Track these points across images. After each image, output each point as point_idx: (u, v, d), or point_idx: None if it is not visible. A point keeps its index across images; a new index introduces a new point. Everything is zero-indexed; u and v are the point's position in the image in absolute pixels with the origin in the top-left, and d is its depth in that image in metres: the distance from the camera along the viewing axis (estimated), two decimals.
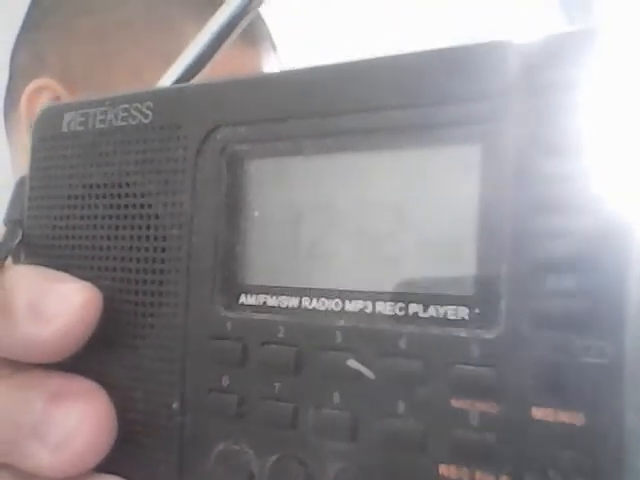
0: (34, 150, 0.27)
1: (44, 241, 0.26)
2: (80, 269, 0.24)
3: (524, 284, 0.17)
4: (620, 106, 0.16)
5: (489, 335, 0.17)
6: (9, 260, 0.25)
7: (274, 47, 0.64)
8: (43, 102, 0.59)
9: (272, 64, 0.62)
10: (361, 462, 0.19)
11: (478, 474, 0.17)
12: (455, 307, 0.18)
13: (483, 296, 0.18)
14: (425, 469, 0.18)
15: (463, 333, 0.18)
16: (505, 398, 0.17)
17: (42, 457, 0.21)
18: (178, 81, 0.28)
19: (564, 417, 0.16)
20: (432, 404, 0.18)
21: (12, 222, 0.26)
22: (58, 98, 0.59)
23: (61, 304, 0.22)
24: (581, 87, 0.17)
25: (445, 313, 0.18)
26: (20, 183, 0.28)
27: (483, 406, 0.17)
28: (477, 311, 0.18)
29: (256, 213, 0.22)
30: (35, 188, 0.27)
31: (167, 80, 0.28)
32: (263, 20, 0.62)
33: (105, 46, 0.59)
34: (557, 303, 0.16)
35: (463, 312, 0.18)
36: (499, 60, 0.18)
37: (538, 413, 0.16)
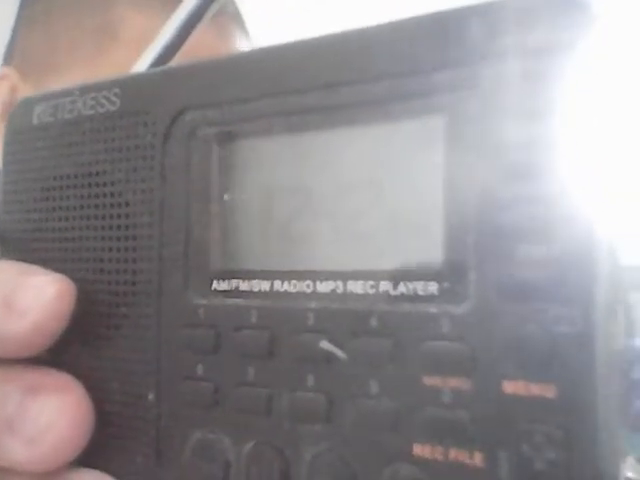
0: (6, 144, 0.27)
1: (19, 235, 0.25)
2: (54, 261, 0.24)
3: (492, 255, 0.16)
4: (588, 71, 0.16)
5: (459, 309, 0.17)
6: None
7: (245, 31, 0.63)
8: (1, 92, 0.59)
9: (243, 48, 0.61)
10: (336, 445, 0.18)
11: (452, 452, 0.17)
12: (424, 282, 0.18)
13: (452, 270, 0.17)
14: (399, 448, 0.17)
15: (433, 309, 0.17)
16: (476, 373, 0.16)
17: (17, 451, 0.21)
18: (150, 68, 0.28)
19: (535, 390, 0.15)
20: (404, 382, 0.17)
21: None
22: (15, 87, 0.59)
23: (34, 297, 0.22)
24: (550, 52, 0.16)
25: (415, 289, 0.18)
26: None
27: (455, 382, 0.17)
28: (446, 285, 0.17)
29: (226, 197, 0.22)
30: (9, 183, 0.26)
31: (140, 67, 0.28)
32: (234, 4, 0.61)
33: (51, 29, 0.59)
34: (526, 273, 0.16)
35: (432, 287, 0.18)
36: (463, 27, 0.17)
37: (509, 387, 0.16)
